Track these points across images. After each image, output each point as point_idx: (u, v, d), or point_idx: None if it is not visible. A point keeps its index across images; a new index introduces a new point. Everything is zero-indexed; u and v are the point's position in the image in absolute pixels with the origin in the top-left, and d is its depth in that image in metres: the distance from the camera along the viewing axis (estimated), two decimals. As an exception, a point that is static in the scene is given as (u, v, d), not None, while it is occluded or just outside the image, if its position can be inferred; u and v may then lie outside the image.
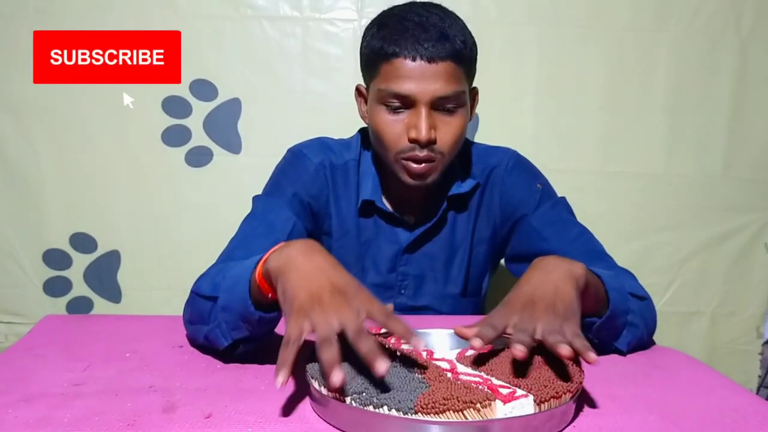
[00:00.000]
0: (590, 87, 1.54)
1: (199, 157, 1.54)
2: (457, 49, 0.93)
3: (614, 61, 1.53)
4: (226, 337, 0.77)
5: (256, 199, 1.08)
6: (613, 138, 1.56)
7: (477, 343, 0.67)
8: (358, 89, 1.06)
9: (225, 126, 1.54)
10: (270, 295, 0.71)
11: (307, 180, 1.06)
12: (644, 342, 0.89)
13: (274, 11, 1.50)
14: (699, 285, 1.63)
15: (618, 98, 1.55)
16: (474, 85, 1.04)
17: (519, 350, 0.63)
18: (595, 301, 0.80)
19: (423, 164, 0.96)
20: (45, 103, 1.49)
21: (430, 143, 0.94)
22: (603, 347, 0.84)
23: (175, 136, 1.53)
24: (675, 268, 1.63)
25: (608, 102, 1.54)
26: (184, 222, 1.57)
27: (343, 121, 1.51)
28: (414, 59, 0.92)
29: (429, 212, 1.09)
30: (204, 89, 1.52)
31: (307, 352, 0.67)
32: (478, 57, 1.00)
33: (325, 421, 0.61)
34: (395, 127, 0.96)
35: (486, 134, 1.46)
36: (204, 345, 0.82)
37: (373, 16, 1.47)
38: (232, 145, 1.54)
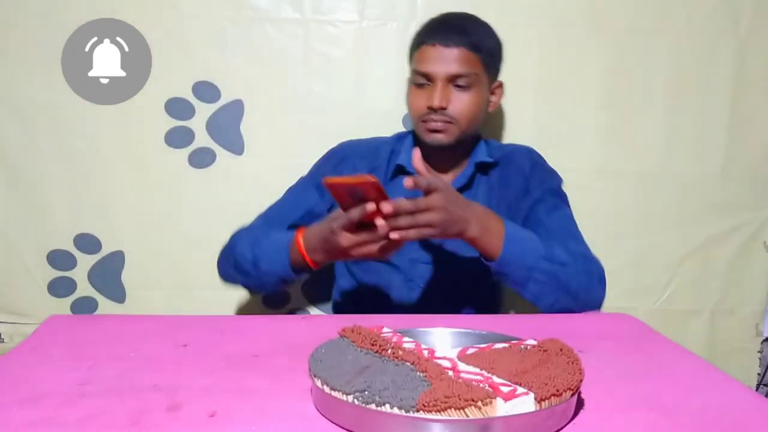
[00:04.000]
0: (590, 87, 1.54)
1: (202, 159, 1.55)
2: (473, 40, 1.19)
3: (613, 61, 1.53)
4: (266, 288, 1.42)
5: (300, 179, 1.37)
6: (613, 137, 1.56)
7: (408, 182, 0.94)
8: (409, 80, 1.30)
9: (228, 127, 1.54)
10: (316, 267, 1.08)
11: (335, 163, 1.34)
12: (565, 303, 1.07)
13: (276, 13, 1.51)
14: (698, 283, 1.64)
15: (617, 98, 1.55)
16: (500, 80, 1.30)
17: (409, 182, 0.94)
18: (494, 249, 1.03)
19: (439, 123, 1.20)
20: (49, 105, 1.50)
21: (441, 109, 1.19)
22: (518, 292, 1.09)
23: (178, 138, 1.54)
24: (674, 267, 1.63)
25: (607, 102, 1.55)
26: (187, 222, 1.57)
27: (345, 122, 1.52)
28: (434, 45, 1.19)
29: (458, 178, 1.31)
30: (206, 91, 1.52)
31: (311, 351, 0.68)
32: (502, 57, 1.28)
33: (328, 419, 0.61)
34: (419, 99, 1.22)
35: (487, 134, 1.46)
36: (238, 284, 1.27)
37: (374, 17, 1.50)
38: (235, 146, 1.55)
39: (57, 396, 0.67)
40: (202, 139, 1.54)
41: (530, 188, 1.27)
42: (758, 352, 1.68)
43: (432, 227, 0.94)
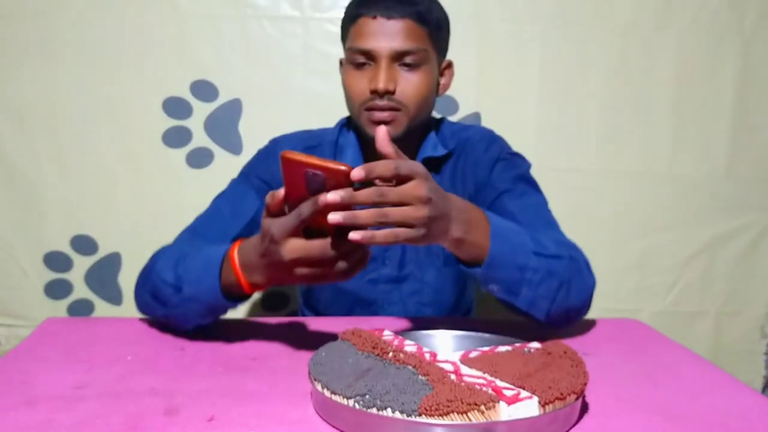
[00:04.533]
0: (593, 86, 1.54)
1: (200, 158, 1.54)
2: (420, 10, 1.00)
3: (617, 60, 1.53)
4: (190, 322, 0.88)
5: (231, 181, 1.15)
6: (617, 137, 1.56)
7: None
8: (340, 62, 1.11)
9: (226, 127, 1.54)
10: (251, 291, 0.81)
11: (276, 166, 1.03)
12: (562, 302, 0.87)
13: (275, 11, 1.50)
14: (703, 284, 1.63)
15: (621, 97, 1.54)
16: (449, 59, 1.10)
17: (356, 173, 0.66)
18: (480, 250, 0.81)
19: (385, 113, 1.01)
20: (45, 105, 1.49)
21: (387, 93, 0.99)
22: (510, 306, 0.87)
23: (175, 137, 1.53)
24: (679, 268, 1.62)
25: (611, 101, 1.54)
26: (185, 223, 1.55)
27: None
28: (375, 17, 0.99)
29: None
30: (204, 90, 1.52)
31: (310, 354, 0.67)
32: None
33: (329, 423, 0.61)
34: (359, 82, 1.02)
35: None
36: (158, 320, 0.94)
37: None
38: (233, 145, 1.54)
39: (54, 399, 0.67)
40: (200, 139, 1.53)
41: (492, 179, 1.10)
42: (764, 354, 1.68)
43: (411, 227, 0.69)
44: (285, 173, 0.70)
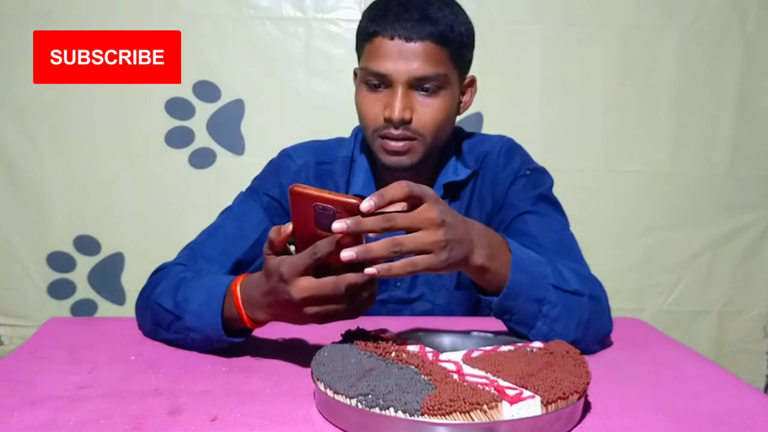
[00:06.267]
0: (595, 85, 1.54)
1: (202, 159, 1.54)
2: (440, 30, 0.93)
3: (619, 60, 1.53)
4: (195, 349, 0.83)
5: (240, 195, 1.10)
6: (619, 137, 1.56)
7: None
8: (354, 72, 1.06)
9: (228, 127, 1.54)
10: (248, 323, 0.77)
11: (287, 183, 0.93)
12: (574, 337, 0.80)
13: (277, 12, 1.50)
14: (706, 284, 1.63)
15: (623, 97, 1.54)
16: (472, 74, 1.04)
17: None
18: (500, 280, 0.77)
19: (399, 143, 0.96)
20: (48, 106, 1.49)
21: (403, 122, 0.94)
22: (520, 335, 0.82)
23: (178, 138, 1.53)
24: (681, 267, 1.62)
25: (613, 100, 1.54)
26: (187, 223, 1.56)
27: (346, 121, 1.50)
28: (392, 38, 0.92)
29: None
30: (207, 91, 1.52)
31: (313, 354, 0.67)
32: (475, 45, 1.01)
33: (331, 423, 0.61)
34: (374, 106, 0.97)
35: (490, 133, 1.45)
36: (160, 340, 0.88)
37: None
38: (236, 146, 1.54)
39: (57, 399, 0.67)
40: (203, 139, 1.54)
41: (511, 197, 1.04)
42: (766, 353, 1.67)
43: (429, 253, 0.66)
44: (293, 207, 0.67)
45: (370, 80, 0.96)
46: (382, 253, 0.64)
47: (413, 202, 0.66)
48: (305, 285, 0.67)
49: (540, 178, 1.07)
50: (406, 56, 0.92)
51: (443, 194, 1.05)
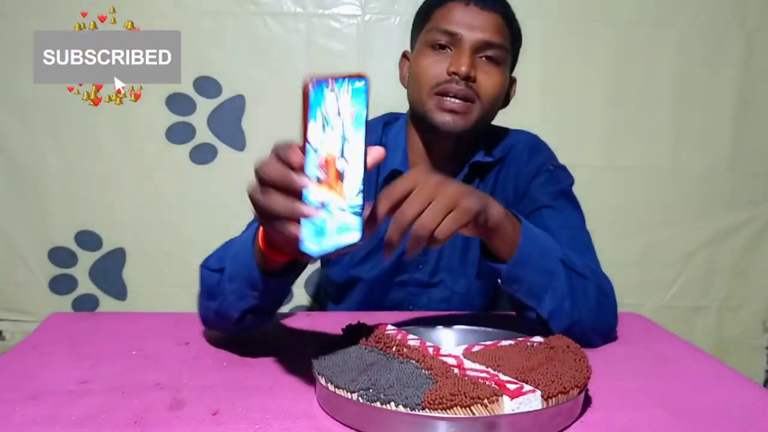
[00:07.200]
0: (595, 81, 1.54)
1: (203, 155, 1.54)
2: (507, 12, 1.00)
3: (619, 55, 1.53)
4: (235, 309, 0.77)
5: None
6: (619, 132, 1.56)
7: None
8: (404, 54, 1.09)
9: (229, 123, 1.54)
10: (275, 258, 0.71)
11: None
12: (582, 330, 0.81)
13: (278, 7, 1.50)
14: (705, 279, 1.63)
15: (623, 92, 1.54)
16: (515, 77, 1.09)
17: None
18: (510, 245, 0.78)
19: (458, 102, 0.96)
20: (49, 102, 1.49)
21: (468, 78, 0.95)
22: (527, 313, 0.82)
23: (179, 134, 1.53)
24: (681, 263, 1.62)
25: (614, 96, 1.54)
26: (188, 219, 1.57)
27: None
28: (467, 4, 0.96)
29: None
30: (208, 86, 1.52)
31: (314, 349, 0.68)
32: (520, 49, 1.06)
33: (332, 417, 0.61)
34: (437, 64, 0.97)
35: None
36: (216, 321, 0.83)
37: (377, 11, 1.45)
38: (237, 141, 1.54)
39: (59, 394, 0.67)
40: (204, 135, 1.54)
41: (532, 190, 1.05)
42: (766, 348, 1.67)
43: (456, 208, 0.67)
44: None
45: (438, 40, 0.97)
46: (413, 214, 0.65)
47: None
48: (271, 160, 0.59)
49: (562, 175, 1.08)
50: (478, 21, 0.96)
51: (468, 173, 1.06)
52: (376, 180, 1.06)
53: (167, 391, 0.68)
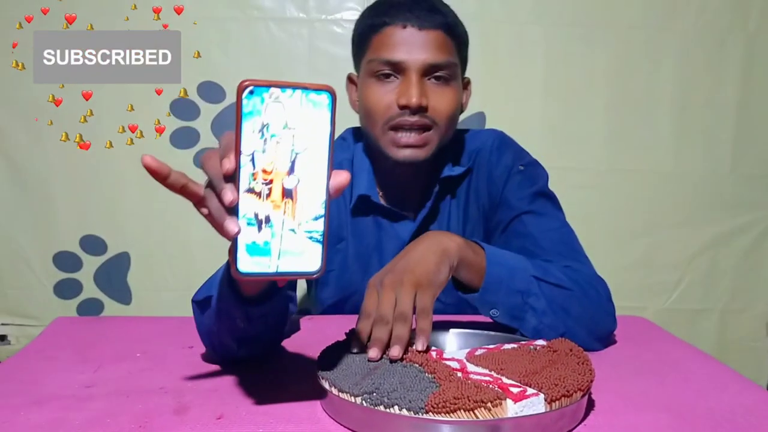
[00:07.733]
0: (597, 85, 1.54)
1: (207, 159, 1.54)
2: (449, 22, 0.94)
3: (621, 60, 1.53)
4: (228, 340, 0.74)
5: None
6: (621, 136, 1.56)
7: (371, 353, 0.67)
8: (349, 77, 1.04)
9: (233, 127, 1.54)
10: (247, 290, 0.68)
11: None
12: (575, 334, 0.79)
13: (281, 13, 1.51)
14: (708, 282, 1.63)
15: (625, 96, 1.54)
16: (467, 76, 1.03)
17: (373, 352, 0.66)
18: (477, 272, 0.79)
19: (413, 134, 0.93)
20: (54, 107, 1.50)
21: (420, 109, 0.92)
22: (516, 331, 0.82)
23: (183, 139, 1.54)
24: (684, 266, 1.62)
25: (615, 100, 1.54)
26: (192, 224, 1.57)
27: (350, 122, 1.51)
28: (405, 27, 0.92)
29: (425, 203, 1.04)
30: (211, 91, 1.52)
31: (318, 353, 0.68)
32: (479, 45, 1.01)
33: (336, 421, 0.61)
34: (385, 96, 0.93)
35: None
36: (220, 355, 0.79)
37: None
38: (240, 146, 1.55)
39: (63, 398, 0.67)
40: (208, 140, 1.54)
41: (507, 195, 1.01)
42: (768, 350, 1.67)
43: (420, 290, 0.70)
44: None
45: (381, 70, 0.93)
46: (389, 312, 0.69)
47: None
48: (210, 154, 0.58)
49: (534, 173, 1.04)
50: (419, 44, 0.91)
51: (440, 190, 1.03)
52: (346, 206, 1.04)
53: (172, 395, 0.68)
